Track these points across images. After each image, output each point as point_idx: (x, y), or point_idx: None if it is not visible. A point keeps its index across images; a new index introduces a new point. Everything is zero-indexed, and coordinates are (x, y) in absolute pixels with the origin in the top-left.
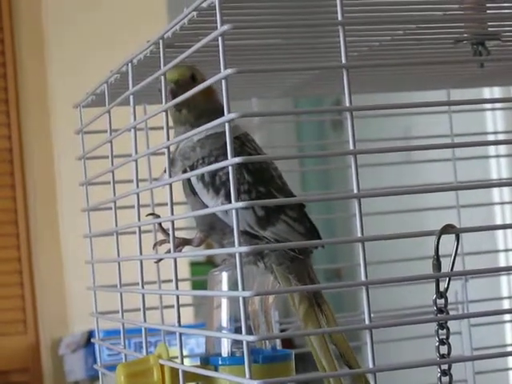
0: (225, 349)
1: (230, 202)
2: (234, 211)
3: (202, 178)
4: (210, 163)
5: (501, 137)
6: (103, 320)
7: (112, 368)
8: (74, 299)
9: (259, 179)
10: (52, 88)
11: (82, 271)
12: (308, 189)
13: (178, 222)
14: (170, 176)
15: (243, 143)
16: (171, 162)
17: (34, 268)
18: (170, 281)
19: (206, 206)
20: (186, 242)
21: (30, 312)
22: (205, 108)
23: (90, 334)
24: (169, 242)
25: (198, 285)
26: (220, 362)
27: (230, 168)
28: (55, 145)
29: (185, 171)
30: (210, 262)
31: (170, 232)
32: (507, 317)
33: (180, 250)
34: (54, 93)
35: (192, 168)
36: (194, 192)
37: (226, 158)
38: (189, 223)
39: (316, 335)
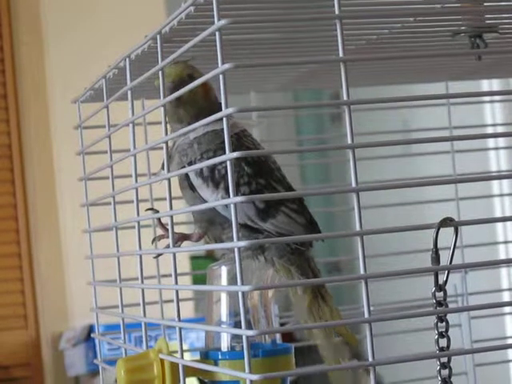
0: (224, 343)
1: (229, 195)
2: (232, 206)
3: (200, 173)
4: (208, 158)
5: (499, 129)
6: (103, 314)
7: (112, 363)
8: (74, 294)
9: (259, 171)
10: (51, 83)
11: (81, 266)
12: (307, 182)
13: (177, 217)
14: (169, 171)
15: (240, 137)
16: (169, 158)
17: (34, 263)
18: (170, 275)
19: (205, 202)
20: (185, 237)
21: (31, 307)
22: (202, 107)
23: (91, 329)
24: (168, 237)
25: (199, 278)
26: (220, 357)
27: (228, 163)
28: (54, 140)
29: (183, 168)
30: (211, 256)
31: (169, 227)
32: (507, 309)
33: (179, 245)
34: (53, 88)
35: (190, 165)
36: (192, 188)
37: (224, 153)
38: (188, 218)
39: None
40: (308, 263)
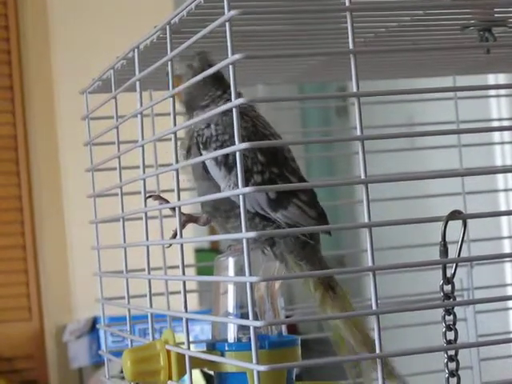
0: (231, 335)
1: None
2: (241, 196)
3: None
4: (223, 141)
5: (505, 123)
6: (108, 306)
7: (117, 354)
8: (78, 286)
9: (272, 160)
10: (57, 74)
11: (86, 258)
12: (313, 175)
13: (184, 208)
14: (177, 162)
15: (256, 124)
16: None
17: (39, 255)
18: (176, 267)
19: (214, 186)
20: (192, 219)
21: (35, 299)
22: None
23: (94, 321)
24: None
25: (203, 272)
26: (226, 348)
27: (237, 153)
28: (60, 131)
29: (198, 146)
30: (215, 249)
31: (177, 218)
32: None
33: (185, 226)
34: (60, 79)
35: (205, 144)
36: (206, 170)
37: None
38: (195, 209)
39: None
40: (318, 258)
